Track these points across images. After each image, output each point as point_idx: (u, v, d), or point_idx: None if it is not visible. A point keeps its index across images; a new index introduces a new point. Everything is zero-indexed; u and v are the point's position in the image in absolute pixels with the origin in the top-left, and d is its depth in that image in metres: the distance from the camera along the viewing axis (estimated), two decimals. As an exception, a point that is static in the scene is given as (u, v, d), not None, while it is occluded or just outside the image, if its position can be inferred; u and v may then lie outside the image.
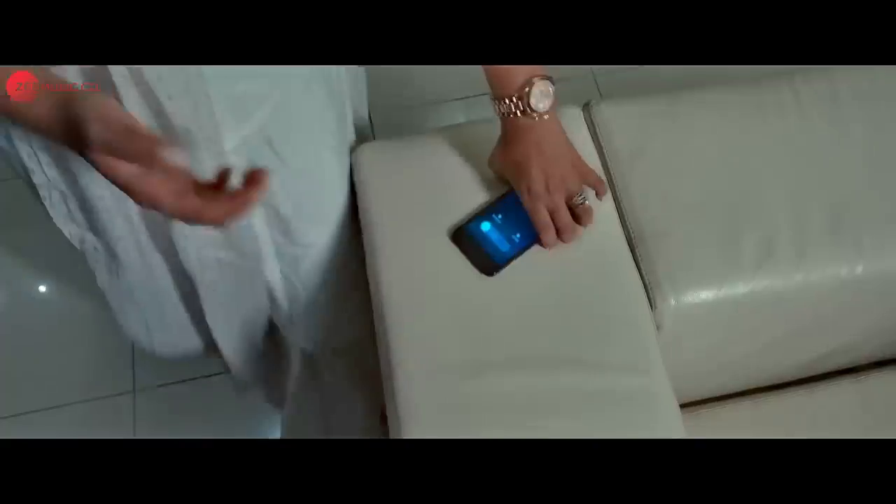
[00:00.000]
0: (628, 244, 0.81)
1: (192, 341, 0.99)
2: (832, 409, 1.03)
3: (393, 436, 0.75)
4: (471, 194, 0.83)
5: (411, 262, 0.80)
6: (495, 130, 0.79)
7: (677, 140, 0.86)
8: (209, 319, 0.88)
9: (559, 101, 0.76)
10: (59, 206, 0.74)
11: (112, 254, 0.80)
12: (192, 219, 0.56)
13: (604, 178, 0.83)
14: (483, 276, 0.78)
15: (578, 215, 0.77)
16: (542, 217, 0.75)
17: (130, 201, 0.63)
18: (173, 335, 0.98)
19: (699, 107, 0.89)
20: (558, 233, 0.76)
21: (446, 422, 0.72)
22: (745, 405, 1.03)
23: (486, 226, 0.78)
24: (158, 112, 0.61)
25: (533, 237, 0.77)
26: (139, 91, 0.60)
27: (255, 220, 0.78)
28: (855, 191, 0.83)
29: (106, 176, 0.53)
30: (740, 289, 0.81)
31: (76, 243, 0.79)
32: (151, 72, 0.58)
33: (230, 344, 0.94)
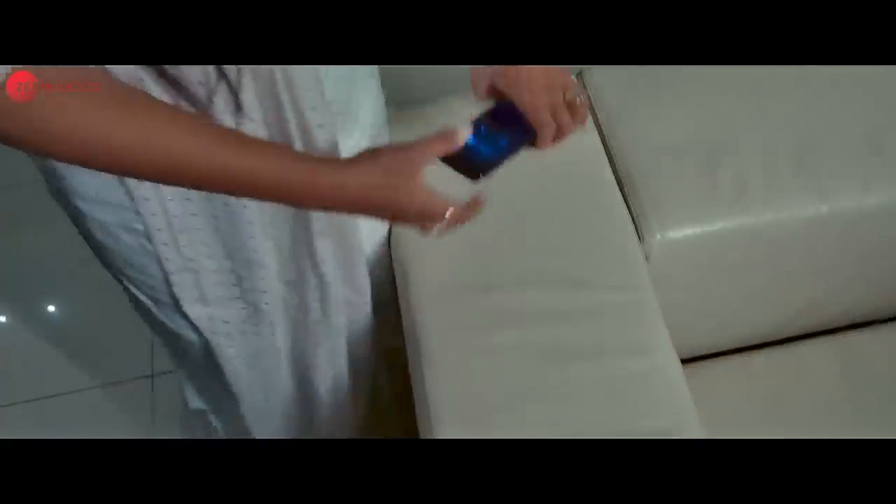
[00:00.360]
0: (618, 185, 0.92)
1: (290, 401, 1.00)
2: (812, 367, 1.12)
3: (411, 353, 0.84)
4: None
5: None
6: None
7: (660, 98, 0.97)
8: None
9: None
10: (189, 289, 0.77)
11: (251, 321, 0.83)
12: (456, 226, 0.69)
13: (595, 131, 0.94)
14: (494, 218, 0.85)
15: (574, 113, 0.78)
16: (544, 115, 0.75)
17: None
18: (278, 402, 0.98)
19: (679, 72, 0.99)
20: (558, 131, 0.77)
21: (459, 335, 0.81)
22: (736, 362, 1.13)
23: (471, 139, 0.75)
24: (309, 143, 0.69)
25: (519, 141, 0.77)
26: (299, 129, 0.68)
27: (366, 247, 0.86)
28: (818, 138, 0.94)
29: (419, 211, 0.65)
30: (718, 224, 0.91)
31: (202, 323, 0.82)
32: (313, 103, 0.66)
33: (332, 392, 0.96)
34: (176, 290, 0.77)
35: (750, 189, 0.91)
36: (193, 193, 0.70)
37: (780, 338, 1.17)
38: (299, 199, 0.63)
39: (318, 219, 0.75)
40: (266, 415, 0.98)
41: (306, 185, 0.61)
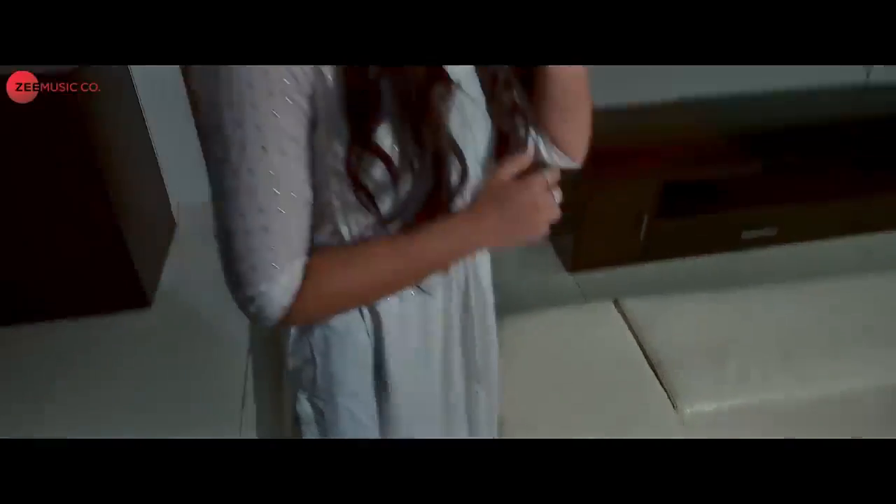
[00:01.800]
0: (654, 372, 1.26)
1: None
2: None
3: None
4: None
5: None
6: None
7: (675, 315, 1.36)
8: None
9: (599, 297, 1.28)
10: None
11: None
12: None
13: (634, 339, 1.31)
14: (572, 393, 1.20)
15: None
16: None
17: None
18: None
19: (688, 300, 1.40)
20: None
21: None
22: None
23: None
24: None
25: None
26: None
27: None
28: (794, 341, 1.30)
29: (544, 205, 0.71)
30: (729, 402, 1.23)
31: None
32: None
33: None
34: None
35: (751, 376, 1.25)
36: (412, 325, 0.80)
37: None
38: (471, 247, 0.73)
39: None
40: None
41: (466, 237, 0.70)
